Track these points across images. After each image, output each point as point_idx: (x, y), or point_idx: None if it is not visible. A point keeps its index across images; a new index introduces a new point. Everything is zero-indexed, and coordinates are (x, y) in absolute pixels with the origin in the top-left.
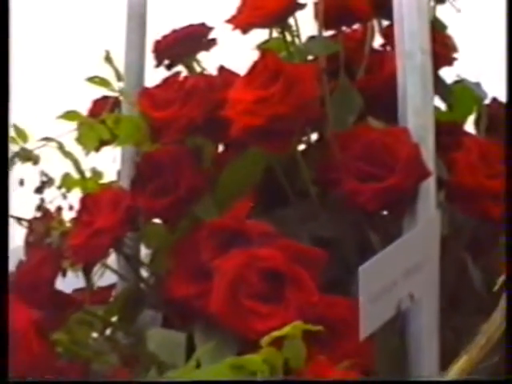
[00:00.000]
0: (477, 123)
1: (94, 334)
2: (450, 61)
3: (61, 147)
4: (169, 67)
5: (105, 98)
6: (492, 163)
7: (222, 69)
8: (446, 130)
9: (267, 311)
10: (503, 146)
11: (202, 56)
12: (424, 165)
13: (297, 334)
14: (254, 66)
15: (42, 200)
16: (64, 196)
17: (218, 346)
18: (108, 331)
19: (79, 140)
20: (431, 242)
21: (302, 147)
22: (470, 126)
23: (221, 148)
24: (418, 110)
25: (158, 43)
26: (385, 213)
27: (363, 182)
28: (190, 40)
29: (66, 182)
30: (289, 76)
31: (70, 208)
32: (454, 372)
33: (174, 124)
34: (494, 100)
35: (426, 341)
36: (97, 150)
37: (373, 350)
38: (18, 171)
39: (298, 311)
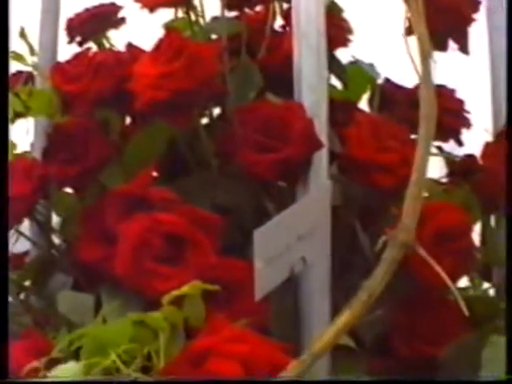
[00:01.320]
0: (370, 101)
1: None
2: (345, 42)
3: None
4: (80, 44)
5: (19, 72)
6: (382, 138)
7: (129, 45)
8: (341, 107)
9: (167, 272)
10: (393, 122)
11: (111, 33)
12: (317, 138)
13: (195, 294)
14: (160, 44)
15: None
16: None
17: (122, 305)
18: (22, 295)
19: None
20: (322, 209)
21: (205, 121)
22: (364, 105)
23: (129, 120)
24: (313, 87)
25: (70, 21)
26: (280, 183)
27: (260, 153)
28: (101, 18)
29: None
30: (191, 53)
31: None
32: (337, 325)
33: (84, 97)
34: (387, 80)
35: (318, 302)
36: (11, 122)
37: (268, 310)
38: None
39: (196, 272)
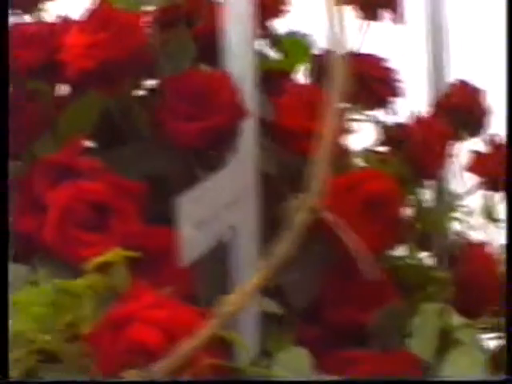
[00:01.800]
0: (306, 72)
1: None
2: (281, 13)
3: None
4: (17, 15)
5: None
6: (314, 107)
7: (63, 17)
8: (276, 77)
9: (92, 239)
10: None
11: (46, 5)
12: (243, 106)
13: (119, 261)
14: (89, 14)
15: None
16: None
17: (53, 273)
18: None
19: None
20: (250, 177)
21: (139, 92)
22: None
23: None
24: (240, 56)
25: None
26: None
27: (189, 123)
28: None
29: None
30: (120, 23)
31: None
32: (244, 289)
33: (16, 67)
34: (323, 51)
35: (245, 269)
36: None
37: (193, 278)
38: None
39: (120, 240)
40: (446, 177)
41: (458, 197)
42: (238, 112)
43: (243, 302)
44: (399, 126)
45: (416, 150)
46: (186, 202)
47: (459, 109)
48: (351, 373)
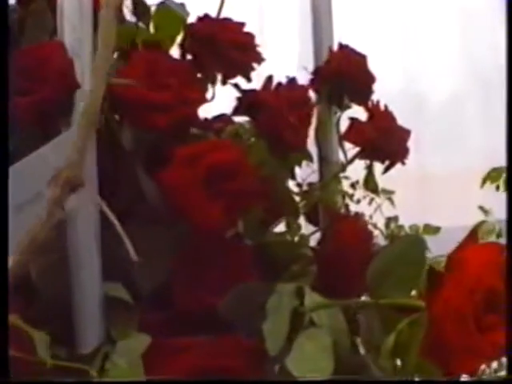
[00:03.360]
0: (181, 43)
1: None
2: None
3: None
4: None
5: None
6: (159, 76)
7: None
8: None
9: None
10: (176, 59)
11: None
12: (74, 78)
13: None
14: None
15: None
16: None
17: None
18: None
19: None
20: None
21: None
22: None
23: None
24: (74, 26)
25: None
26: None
27: (22, 97)
28: None
29: None
30: None
31: None
32: None
33: None
34: (200, 19)
35: (85, 254)
36: None
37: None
38: None
39: None
40: (327, 147)
41: (340, 167)
42: (67, 84)
43: None
44: (249, 91)
45: (269, 120)
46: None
47: (340, 75)
48: (174, 362)
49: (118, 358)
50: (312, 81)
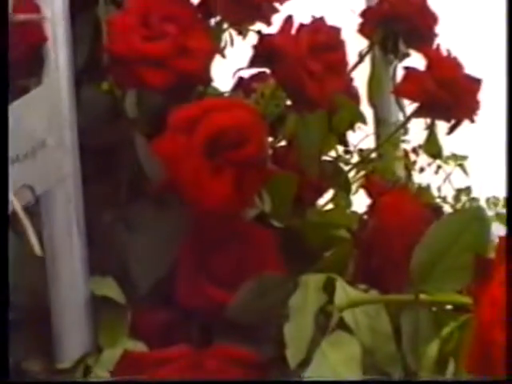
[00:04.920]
0: None
1: None
2: None
3: None
4: None
5: None
6: (155, 24)
7: None
8: None
9: None
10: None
11: None
12: (42, 30)
13: None
14: None
15: None
16: None
17: None
18: None
19: None
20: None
21: None
22: None
23: None
24: None
25: None
26: None
27: None
28: None
29: None
30: None
31: None
32: None
33: None
34: None
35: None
36: None
37: None
38: None
39: None
40: (382, 105)
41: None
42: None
43: None
44: (265, 36)
45: (286, 69)
46: None
47: (395, 16)
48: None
49: (102, 372)
50: (361, 25)
